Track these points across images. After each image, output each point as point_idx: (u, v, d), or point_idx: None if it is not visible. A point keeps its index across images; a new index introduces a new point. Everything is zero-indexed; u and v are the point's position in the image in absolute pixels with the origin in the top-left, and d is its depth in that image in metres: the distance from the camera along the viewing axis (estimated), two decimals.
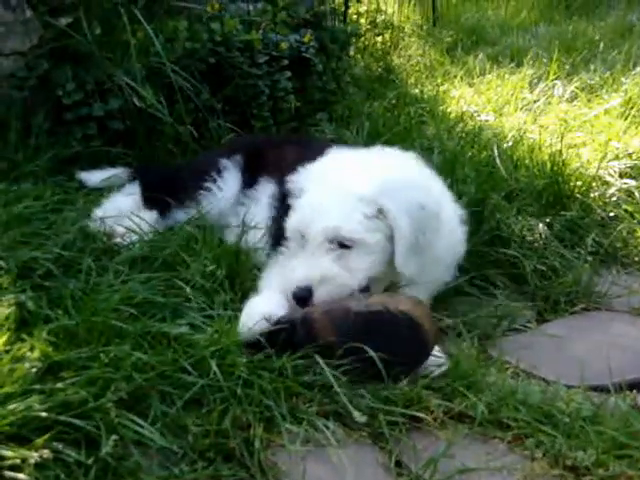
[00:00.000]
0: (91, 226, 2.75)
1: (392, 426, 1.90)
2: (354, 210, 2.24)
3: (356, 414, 1.91)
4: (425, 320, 2.11)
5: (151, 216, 2.86)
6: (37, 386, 1.73)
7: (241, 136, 3.75)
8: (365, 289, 2.28)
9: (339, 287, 2.23)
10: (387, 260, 2.28)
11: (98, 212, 2.88)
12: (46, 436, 1.63)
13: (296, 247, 2.35)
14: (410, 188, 2.32)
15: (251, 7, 4.42)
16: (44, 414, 1.67)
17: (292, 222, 2.37)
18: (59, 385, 1.75)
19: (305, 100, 4.21)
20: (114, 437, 1.67)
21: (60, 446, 1.63)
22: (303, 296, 2.21)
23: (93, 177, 3.27)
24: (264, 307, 2.20)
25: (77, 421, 1.68)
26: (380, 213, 2.25)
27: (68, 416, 1.69)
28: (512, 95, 4.95)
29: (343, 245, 2.25)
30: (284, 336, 2.09)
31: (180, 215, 2.88)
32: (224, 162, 2.96)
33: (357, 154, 2.56)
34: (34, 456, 1.58)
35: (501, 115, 4.65)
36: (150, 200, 2.92)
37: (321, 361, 2.01)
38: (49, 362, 1.82)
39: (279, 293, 2.27)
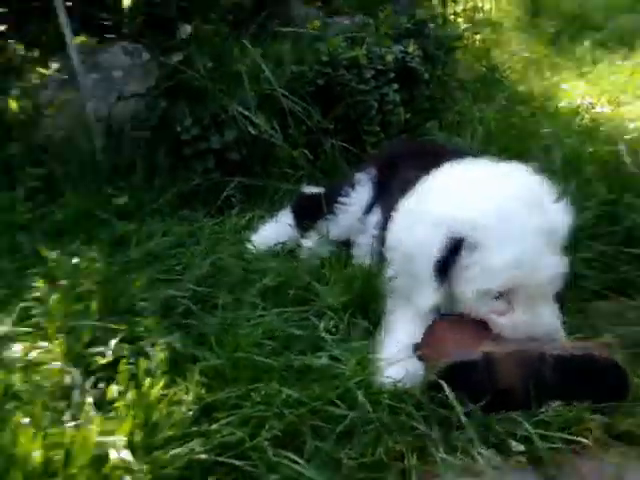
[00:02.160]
0: (248, 248, 2.88)
1: (551, 451, 1.83)
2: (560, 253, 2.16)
3: (514, 444, 1.84)
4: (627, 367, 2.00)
5: (306, 242, 2.96)
6: (195, 428, 1.77)
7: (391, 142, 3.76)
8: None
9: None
10: None
11: (255, 238, 2.99)
12: (211, 479, 1.66)
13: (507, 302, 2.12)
14: None
15: (347, 22, 4.42)
16: (204, 456, 1.70)
17: (496, 282, 2.09)
18: (214, 426, 1.79)
19: (414, 110, 4.14)
20: (274, 477, 1.69)
21: None
22: None
23: None
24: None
25: (236, 461, 1.71)
26: None
27: (227, 457, 1.72)
28: (628, 83, 4.75)
29: None
30: (462, 376, 1.96)
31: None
32: (358, 175, 2.96)
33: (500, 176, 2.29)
34: None
35: (619, 105, 4.46)
36: (301, 224, 3.03)
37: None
38: (203, 403, 1.86)
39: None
